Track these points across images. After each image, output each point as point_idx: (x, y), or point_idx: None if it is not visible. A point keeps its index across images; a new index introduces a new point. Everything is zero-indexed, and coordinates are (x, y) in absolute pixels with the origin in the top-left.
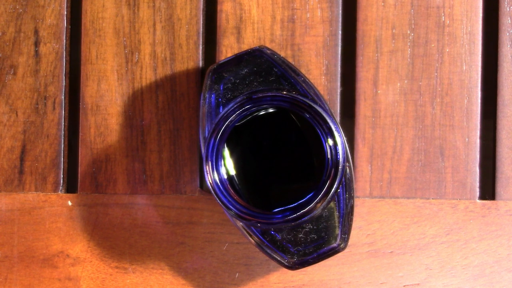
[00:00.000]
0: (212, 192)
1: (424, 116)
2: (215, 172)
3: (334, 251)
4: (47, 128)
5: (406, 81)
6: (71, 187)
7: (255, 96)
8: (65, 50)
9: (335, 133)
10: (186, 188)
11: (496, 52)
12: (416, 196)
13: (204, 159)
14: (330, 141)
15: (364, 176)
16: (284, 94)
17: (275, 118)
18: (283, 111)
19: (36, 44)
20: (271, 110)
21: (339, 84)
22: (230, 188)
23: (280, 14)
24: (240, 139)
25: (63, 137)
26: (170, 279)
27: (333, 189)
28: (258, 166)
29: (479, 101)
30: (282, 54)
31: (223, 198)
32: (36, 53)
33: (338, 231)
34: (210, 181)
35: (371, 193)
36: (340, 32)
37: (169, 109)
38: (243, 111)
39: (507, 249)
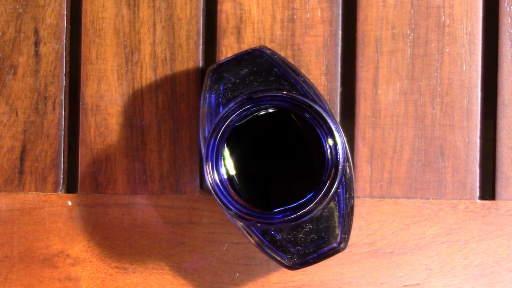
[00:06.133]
0: (212, 192)
1: (424, 116)
2: (215, 172)
3: (334, 251)
4: (47, 128)
5: (406, 81)
6: (71, 187)
7: (255, 96)
8: (65, 50)
9: (335, 133)
10: (186, 188)
11: (496, 52)
12: (416, 196)
13: (204, 159)
14: (330, 141)
15: (364, 176)
16: (284, 94)
17: (275, 118)
18: (283, 111)
19: (36, 44)
20: (271, 110)
21: (339, 84)
22: (230, 188)
23: (280, 14)
24: (240, 139)
25: (63, 137)
26: (170, 279)
27: (333, 189)
28: (258, 166)
29: (479, 101)
30: (282, 54)
31: (223, 198)
32: (36, 53)
33: (338, 231)
34: (210, 181)
35: (371, 193)
36: (340, 32)
37: (169, 109)
38: (243, 111)
39: (507, 249)
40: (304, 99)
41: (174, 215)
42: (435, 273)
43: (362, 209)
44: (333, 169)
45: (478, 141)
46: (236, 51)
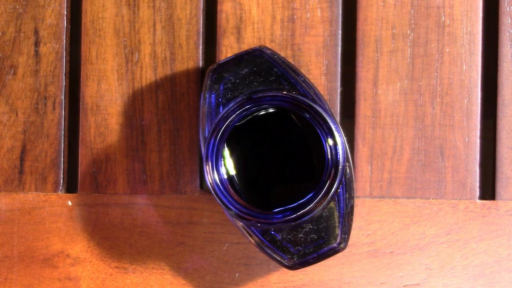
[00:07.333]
0: (212, 192)
1: (424, 116)
2: (215, 172)
3: (334, 251)
4: (47, 128)
5: (406, 81)
6: (71, 187)
7: (255, 96)
8: (65, 50)
9: (335, 133)
10: (186, 188)
11: (496, 52)
12: (416, 196)
13: (204, 159)
14: (330, 141)
15: (364, 176)
16: (284, 94)
17: (275, 118)
18: (283, 111)
19: (36, 44)
20: (271, 110)
21: (339, 84)
22: (230, 188)
23: (280, 14)
24: (240, 139)
25: (63, 137)
26: (170, 279)
27: (333, 189)
28: (258, 166)
29: (479, 101)
30: (282, 54)
31: (223, 198)
32: (36, 53)
33: (338, 231)
34: (210, 181)
35: (371, 193)
36: (340, 32)
37: (169, 109)
38: (243, 111)
39: (507, 249)
40: (304, 99)
41: (174, 215)
42: (435, 273)
43: (362, 209)
44: (333, 169)
45: (478, 141)
46: (236, 51)
